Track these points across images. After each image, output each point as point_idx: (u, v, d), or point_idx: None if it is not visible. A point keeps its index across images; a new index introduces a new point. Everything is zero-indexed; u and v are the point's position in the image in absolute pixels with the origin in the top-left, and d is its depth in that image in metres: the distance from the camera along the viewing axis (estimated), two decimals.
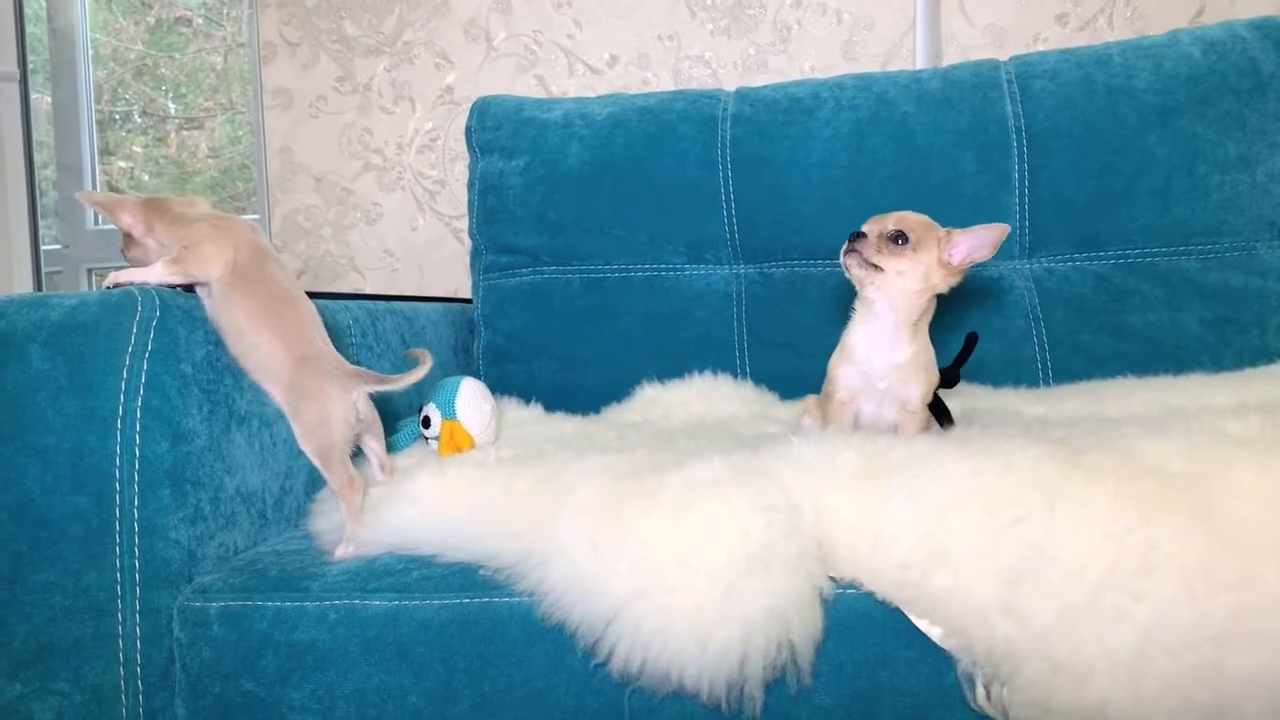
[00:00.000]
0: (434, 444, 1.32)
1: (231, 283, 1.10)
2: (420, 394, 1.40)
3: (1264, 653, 0.76)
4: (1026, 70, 1.67)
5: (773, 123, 1.71)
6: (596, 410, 1.58)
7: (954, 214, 1.62)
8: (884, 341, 1.18)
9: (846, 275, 1.20)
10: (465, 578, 0.96)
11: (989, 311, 1.62)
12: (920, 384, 1.18)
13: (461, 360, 1.81)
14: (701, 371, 1.65)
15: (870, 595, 0.87)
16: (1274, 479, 0.82)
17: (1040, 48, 2.03)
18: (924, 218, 1.18)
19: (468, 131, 1.84)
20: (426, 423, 1.35)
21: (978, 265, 1.19)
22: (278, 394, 1.12)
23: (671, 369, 1.65)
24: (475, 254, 1.83)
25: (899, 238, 1.15)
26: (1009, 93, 1.65)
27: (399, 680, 0.94)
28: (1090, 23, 2.05)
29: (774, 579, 0.84)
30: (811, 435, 1.00)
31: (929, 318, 1.20)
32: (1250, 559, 0.78)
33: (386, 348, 1.51)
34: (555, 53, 2.22)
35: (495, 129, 1.80)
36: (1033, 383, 1.57)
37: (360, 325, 1.44)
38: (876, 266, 1.15)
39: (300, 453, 1.23)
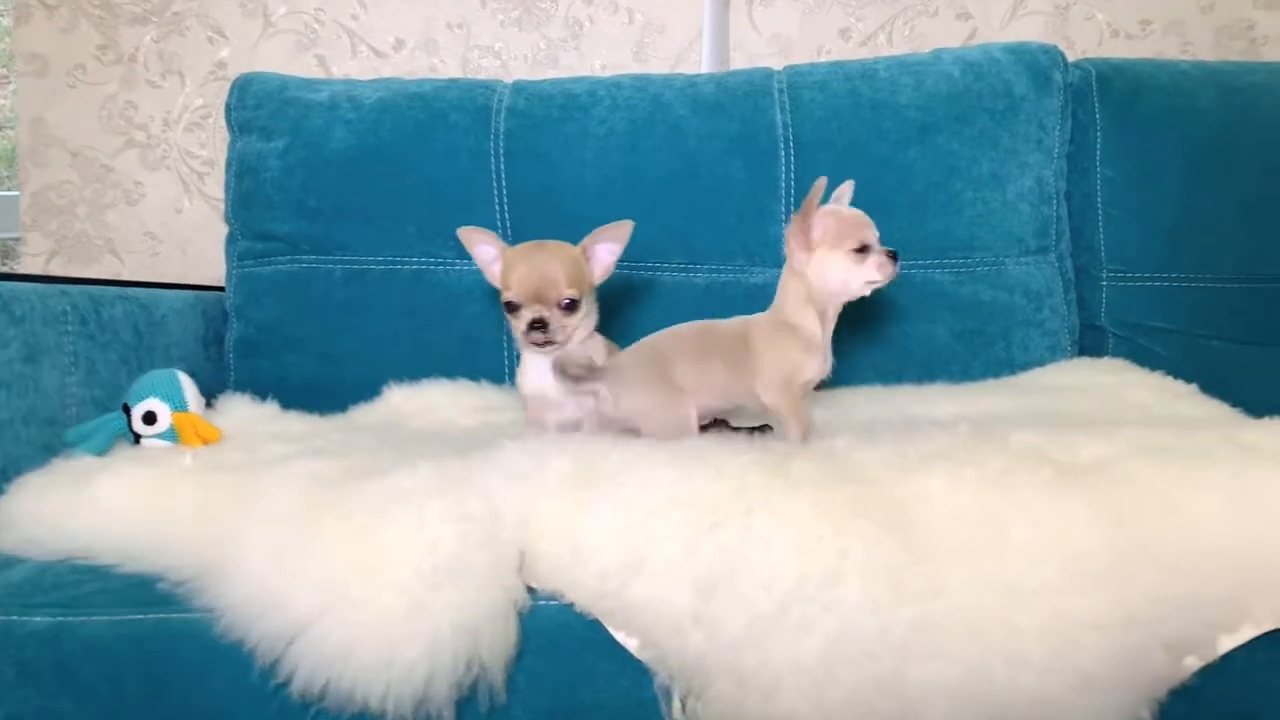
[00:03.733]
0: (157, 442, 1.23)
1: None
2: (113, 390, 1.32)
3: (943, 663, 0.77)
4: (797, 80, 1.68)
5: (548, 118, 1.67)
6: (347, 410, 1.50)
7: (722, 220, 1.64)
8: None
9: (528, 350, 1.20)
10: (142, 591, 0.88)
11: None
12: None
13: (214, 353, 1.69)
14: (466, 373, 1.59)
15: (571, 607, 0.84)
16: (961, 490, 0.83)
17: (824, 60, 2.06)
18: (567, 256, 1.18)
19: (227, 109, 1.72)
20: (150, 419, 1.25)
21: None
22: None
23: (436, 368, 1.58)
24: (230, 240, 1.71)
25: (569, 304, 1.16)
26: (779, 102, 1.66)
27: (59, 704, 0.85)
28: (871, 39, 2.10)
29: (464, 591, 0.80)
30: (527, 440, 0.96)
31: None
32: (935, 571, 0.79)
33: (114, 338, 1.39)
34: (338, 33, 2.12)
35: (255, 108, 1.69)
36: None
37: (80, 313, 1.32)
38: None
39: None
